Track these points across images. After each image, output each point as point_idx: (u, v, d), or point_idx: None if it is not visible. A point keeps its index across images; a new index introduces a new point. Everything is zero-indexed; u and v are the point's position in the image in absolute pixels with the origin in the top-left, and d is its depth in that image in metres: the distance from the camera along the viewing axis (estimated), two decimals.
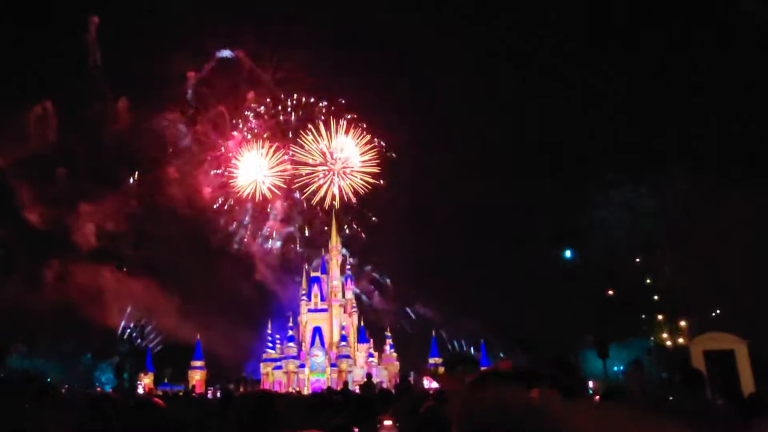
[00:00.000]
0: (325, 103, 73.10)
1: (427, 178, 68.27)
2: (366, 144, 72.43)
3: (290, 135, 72.14)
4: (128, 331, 63.22)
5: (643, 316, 43.31)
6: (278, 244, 74.34)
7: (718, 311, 37.26)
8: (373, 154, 72.32)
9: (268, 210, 72.36)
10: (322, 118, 72.47)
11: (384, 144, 72.19)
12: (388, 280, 71.37)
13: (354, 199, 71.95)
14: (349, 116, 72.34)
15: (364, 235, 71.29)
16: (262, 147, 71.73)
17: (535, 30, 64.76)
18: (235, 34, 70.87)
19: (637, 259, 43.82)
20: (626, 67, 58.28)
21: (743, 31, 43.71)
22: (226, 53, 73.34)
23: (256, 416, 3.45)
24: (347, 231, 69.60)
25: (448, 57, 69.09)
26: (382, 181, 71.66)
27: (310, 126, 72.06)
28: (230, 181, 71.35)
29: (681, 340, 39.04)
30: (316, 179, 72.10)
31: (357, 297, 61.86)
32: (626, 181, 43.19)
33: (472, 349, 64.17)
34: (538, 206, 61.64)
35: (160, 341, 62.78)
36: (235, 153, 71.93)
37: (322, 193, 71.98)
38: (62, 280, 54.83)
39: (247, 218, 72.68)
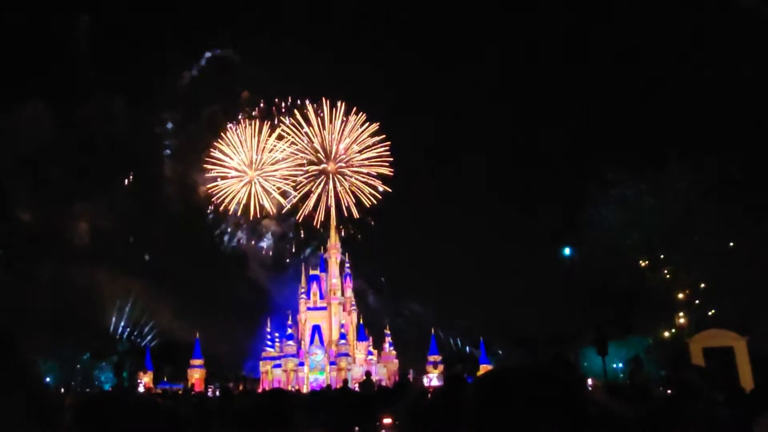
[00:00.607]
0: (319, 103, 72.28)
1: (427, 177, 68.41)
2: (362, 143, 71.66)
3: (285, 135, 71.25)
4: (123, 329, 63.17)
5: (643, 314, 43.29)
6: (272, 242, 74.21)
7: (716, 308, 37.31)
8: (372, 154, 71.48)
9: (263, 209, 71.71)
10: (318, 118, 71.81)
11: (380, 142, 71.13)
12: (384, 279, 71.16)
13: (352, 202, 70.90)
14: (344, 118, 71.45)
15: (360, 236, 70.81)
16: (257, 145, 70.92)
17: (537, 28, 64.75)
18: (232, 35, 70.76)
19: (636, 257, 43.78)
20: (627, 66, 58.34)
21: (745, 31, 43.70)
22: (219, 53, 72.96)
23: (267, 416, 3.43)
24: (343, 233, 68.63)
25: (447, 57, 69.11)
26: (380, 184, 70.70)
27: (306, 128, 71.24)
28: (224, 180, 70.65)
29: (679, 333, 39.07)
30: (311, 180, 71.36)
31: (356, 294, 61.60)
32: (626, 179, 43.09)
33: (474, 348, 64.11)
34: (538, 204, 61.78)
35: (158, 339, 62.69)
36: (230, 152, 70.98)
37: (317, 193, 71.31)
38: (60, 280, 54.78)
39: (241, 217, 72.28)
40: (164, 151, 73.04)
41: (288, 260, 73.32)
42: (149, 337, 63.55)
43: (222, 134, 70.40)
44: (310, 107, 71.56)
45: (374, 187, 70.70)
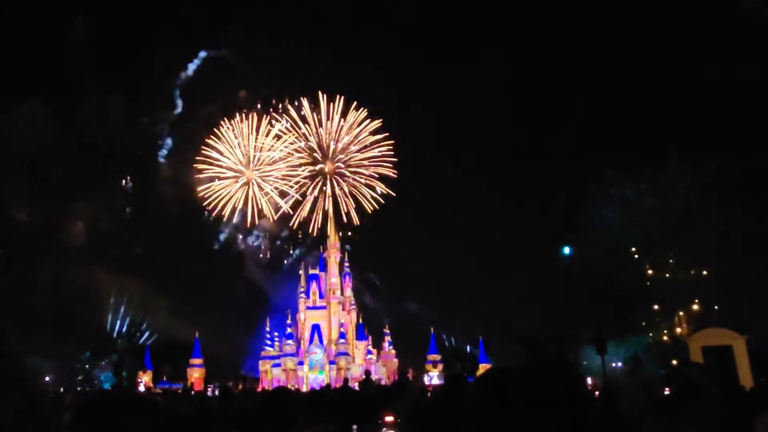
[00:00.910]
0: (316, 100, 70.02)
1: (426, 177, 68.30)
2: (361, 142, 69.72)
3: (281, 134, 69.08)
4: (122, 329, 63.04)
5: (642, 313, 43.36)
6: (269, 243, 73.17)
7: (716, 308, 37.36)
8: (372, 153, 69.43)
9: (261, 211, 69.69)
10: (314, 114, 69.71)
11: (381, 141, 69.17)
12: (383, 278, 70.20)
13: (351, 206, 68.75)
14: (342, 119, 69.38)
15: (359, 236, 68.96)
16: (253, 144, 68.95)
17: (537, 28, 64.74)
18: (230, 34, 70.17)
19: (636, 256, 43.85)
20: (627, 65, 58.35)
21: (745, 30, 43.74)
22: (216, 52, 71.56)
23: (270, 414, 3.43)
24: (340, 234, 65.78)
25: (447, 57, 69.04)
26: (382, 187, 68.71)
27: (303, 127, 69.42)
28: (221, 180, 68.89)
29: (678, 332, 39.14)
30: (308, 181, 69.40)
31: (356, 293, 61.20)
32: (626, 179, 43.18)
33: (473, 347, 64.00)
34: (538, 204, 61.77)
35: (157, 339, 62.55)
36: (225, 150, 68.75)
37: (314, 195, 69.51)
38: (59, 280, 54.71)
39: (238, 218, 70.98)
40: (160, 150, 72.19)
41: (285, 261, 72.90)
42: (148, 336, 63.51)
43: (217, 132, 68.43)
44: (306, 104, 69.58)
45: (374, 189, 68.92)
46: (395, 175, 68.64)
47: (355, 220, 68.66)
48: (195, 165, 68.52)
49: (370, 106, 69.09)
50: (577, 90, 60.90)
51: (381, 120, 69.17)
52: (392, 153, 68.94)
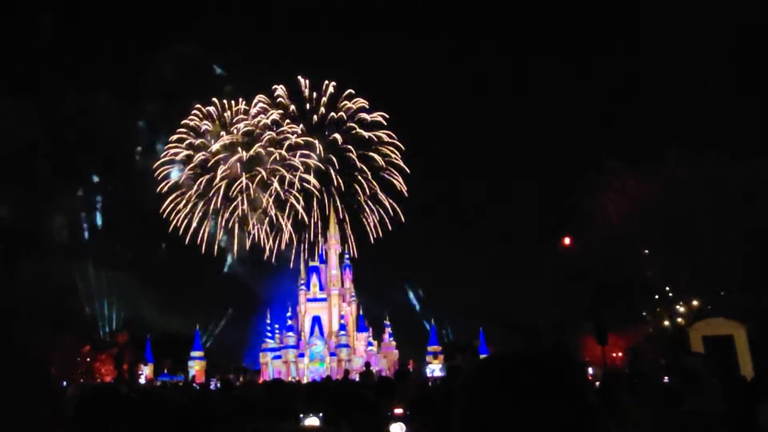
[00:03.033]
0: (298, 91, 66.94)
1: (425, 167, 68.15)
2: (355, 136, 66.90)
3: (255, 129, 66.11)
4: (123, 321, 62.97)
5: (642, 303, 43.39)
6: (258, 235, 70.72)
7: (716, 297, 37.37)
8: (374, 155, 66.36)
9: (253, 204, 67.19)
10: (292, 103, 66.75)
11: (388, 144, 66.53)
12: (383, 269, 68.46)
13: (347, 225, 65.18)
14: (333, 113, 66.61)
15: (352, 238, 65.61)
16: (245, 142, 66.37)
17: (536, 18, 64.53)
18: (217, 28, 69.02)
19: (636, 246, 43.83)
20: (626, 55, 58.22)
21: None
22: (201, 47, 68.52)
23: (269, 405, 3.43)
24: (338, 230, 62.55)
25: (446, 51, 68.82)
26: (386, 198, 65.57)
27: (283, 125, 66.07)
28: (214, 174, 66.62)
29: (679, 322, 39.21)
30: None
31: (356, 285, 60.39)
32: (625, 167, 43.12)
33: (474, 338, 64.03)
34: (537, 194, 61.80)
35: (158, 332, 62.45)
36: (215, 147, 66.50)
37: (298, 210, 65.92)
38: (58, 275, 54.65)
39: (227, 210, 67.50)
40: (137, 148, 70.09)
41: (276, 260, 71.26)
42: (149, 330, 63.51)
43: (205, 129, 65.67)
44: (284, 93, 65.42)
45: (379, 201, 65.35)
46: (405, 192, 64.41)
47: (353, 250, 63.89)
48: (190, 161, 65.65)
49: (369, 97, 66.55)
50: (576, 81, 60.81)
51: (382, 114, 65.34)
52: (399, 155, 64.76)
